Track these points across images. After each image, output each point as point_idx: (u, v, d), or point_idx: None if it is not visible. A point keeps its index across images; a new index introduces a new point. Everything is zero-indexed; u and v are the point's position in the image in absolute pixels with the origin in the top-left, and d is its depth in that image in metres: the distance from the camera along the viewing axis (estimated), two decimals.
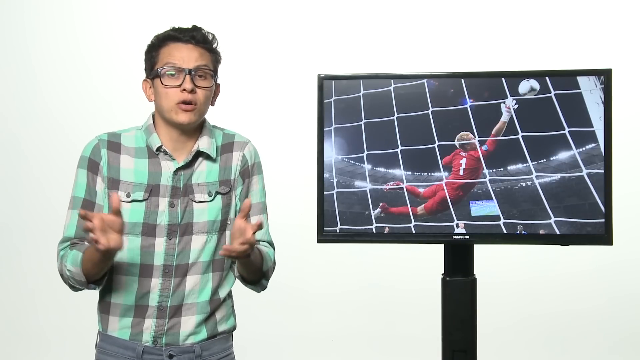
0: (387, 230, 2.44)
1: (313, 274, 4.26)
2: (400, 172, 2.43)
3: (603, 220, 2.36)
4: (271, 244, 2.30)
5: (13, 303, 4.45)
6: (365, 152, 2.44)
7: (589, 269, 4.14)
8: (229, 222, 2.20)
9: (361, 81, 2.44)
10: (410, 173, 2.42)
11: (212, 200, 2.17)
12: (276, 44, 4.32)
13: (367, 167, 2.44)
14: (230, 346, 2.27)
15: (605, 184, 2.35)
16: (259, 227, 2.00)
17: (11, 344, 4.41)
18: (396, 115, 2.43)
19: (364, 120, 2.44)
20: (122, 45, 4.36)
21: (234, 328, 2.28)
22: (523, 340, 4.22)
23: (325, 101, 2.44)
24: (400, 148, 2.42)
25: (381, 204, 2.44)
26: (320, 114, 2.44)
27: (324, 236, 2.46)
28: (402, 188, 2.43)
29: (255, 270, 2.17)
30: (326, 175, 2.45)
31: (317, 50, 4.27)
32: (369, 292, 4.28)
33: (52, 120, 4.43)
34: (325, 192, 2.44)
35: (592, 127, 2.36)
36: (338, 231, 2.45)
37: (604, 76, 2.36)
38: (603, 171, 2.35)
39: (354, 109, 2.44)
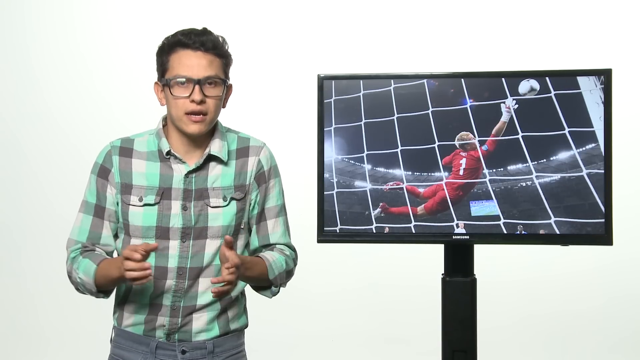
0: (387, 230, 2.44)
1: (313, 274, 4.25)
2: (400, 172, 2.42)
3: (603, 220, 2.35)
4: (290, 246, 2.29)
5: (13, 303, 4.45)
6: (365, 152, 2.44)
7: (589, 269, 4.13)
8: (242, 227, 2.21)
9: (361, 81, 2.44)
10: (410, 173, 2.42)
11: (227, 205, 2.18)
12: (276, 44, 4.32)
13: (367, 167, 2.43)
14: (241, 343, 2.29)
15: (605, 184, 2.35)
16: (228, 244, 2.00)
17: (11, 344, 4.41)
18: (396, 115, 2.43)
19: (364, 120, 2.44)
20: (123, 45, 4.36)
21: (246, 326, 2.31)
22: (523, 340, 4.21)
23: (325, 101, 2.44)
24: (400, 148, 2.42)
25: (381, 204, 2.43)
26: (320, 114, 2.44)
27: (324, 236, 2.46)
28: (402, 188, 2.43)
29: (256, 279, 2.18)
30: (326, 175, 2.45)
31: (317, 50, 4.27)
32: (369, 292, 4.28)
33: (52, 120, 4.43)
34: (325, 192, 2.44)
35: (592, 127, 2.35)
36: (338, 231, 2.45)
37: (604, 76, 2.35)
38: (603, 171, 2.35)
39: (354, 109, 2.44)
